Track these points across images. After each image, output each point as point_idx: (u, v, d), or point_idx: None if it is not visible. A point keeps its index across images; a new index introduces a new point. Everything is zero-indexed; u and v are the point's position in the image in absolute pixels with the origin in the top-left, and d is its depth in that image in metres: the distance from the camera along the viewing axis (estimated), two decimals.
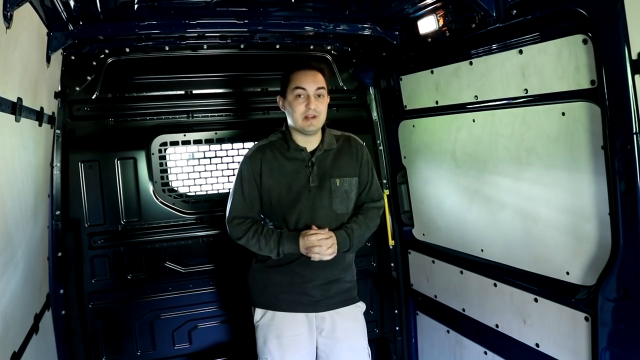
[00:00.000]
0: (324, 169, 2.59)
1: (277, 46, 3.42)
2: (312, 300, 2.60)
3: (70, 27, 2.61)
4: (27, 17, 2.08)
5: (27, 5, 2.02)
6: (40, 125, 2.50)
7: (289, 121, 2.60)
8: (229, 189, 3.47)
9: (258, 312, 2.65)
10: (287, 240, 2.52)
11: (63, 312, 3.03)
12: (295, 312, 2.60)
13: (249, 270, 2.75)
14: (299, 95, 2.50)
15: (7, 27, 1.77)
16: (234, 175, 3.48)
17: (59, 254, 3.01)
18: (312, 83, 2.51)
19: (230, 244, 3.39)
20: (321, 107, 2.52)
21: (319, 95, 2.52)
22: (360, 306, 2.78)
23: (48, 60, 2.55)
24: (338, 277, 2.64)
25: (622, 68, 1.89)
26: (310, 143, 2.61)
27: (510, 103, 2.55)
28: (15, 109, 1.97)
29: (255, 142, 2.71)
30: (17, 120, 2.01)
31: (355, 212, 2.69)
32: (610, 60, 1.94)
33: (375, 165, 3.65)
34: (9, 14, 1.76)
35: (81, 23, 2.65)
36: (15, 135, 2.07)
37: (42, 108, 2.48)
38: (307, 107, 2.48)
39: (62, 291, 3.03)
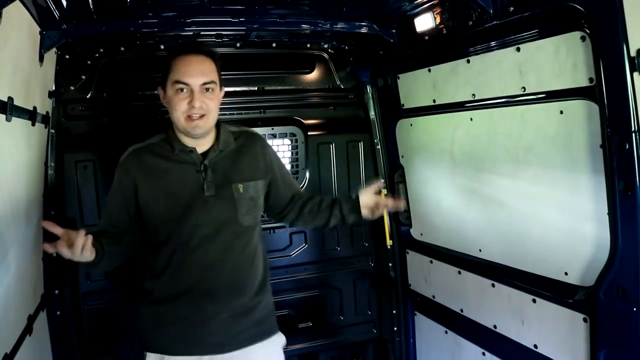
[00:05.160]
0: (222, 174, 2.14)
1: (274, 45, 3.40)
2: (216, 339, 2.12)
3: (64, 25, 2.58)
4: (18, 16, 2.05)
5: (18, 3, 2.00)
6: (33, 124, 2.48)
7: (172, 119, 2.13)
8: None
9: (151, 358, 2.16)
10: None
11: (58, 312, 3.00)
12: (197, 355, 2.12)
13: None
14: (181, 90, 2.03)
15: None
16: None
17: (54, 254, 2.98)
18: (198, 76, 2.02)
19: None
20: (210, 104, 2.06)
21: (206, 90, 2.05)
22: (277, 340, 2.29)
23: (41, 59, 2.53)
24: (249, 306, 2.17)
25: (621, 65, 1.85)
26: (201, 143, 2.14)
27: (508, 101, 2.52)
28: (6, 108, 1.95)
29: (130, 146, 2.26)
30: (7, 119, 1.99)
31: (299, 204, 2.36)
32: (609, 57, 1.91)
33: (372, 164, 3.67)
34: None
35: (74, 22, 2.63)
36: (7, 134, 2.05)
37: (35, 107, 2.46)
38: (191, 104, 2.02)
39: (57, 292, 3.00)
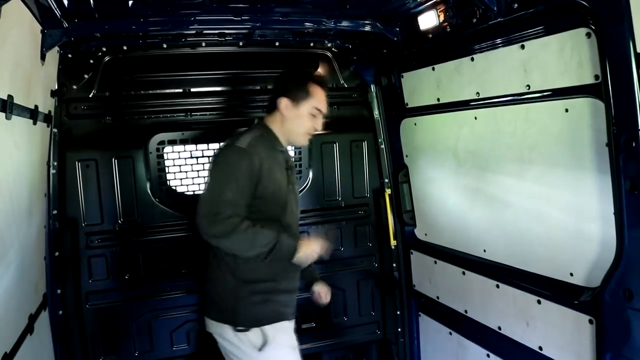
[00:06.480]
0: (292, 175, 2.65)
1: (277, 43, 3.38)
2: (294, 305, 2.63)
3: (65, 24, 2.57)
4: (18, 14, 2.05)
5: (18, 1, 1.99)
6: (34, 123, 2.47)
7: (283, 126, 2.53)
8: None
9: (268, 329, 2.47)
10: (286, 236, 2.39)
11: (60, 312, 3.01)
12: (289, 321, 2.58)
13: (225, 296, 2.51)
14: (314, 116, 2.52)
15: None
16: None
17: (56, 253, 2.99)
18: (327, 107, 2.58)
19: None
20: None
21: None
22: None
23: (43, 57, 2.52)
24: None
25: (627, 62, 1.82)
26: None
27: (513, 99, 2.50)
28: (6, 106, 1.94)
29: (240, 134, 2.49)
30: (7, 118, 1.97)
31: None
32: (615, 54, 1.88)
33: (376, 163, 3.65)
34: None
35: (76, 20, 2.62)
36: (6, 133, 2.04)
37: (36, 106, 2.45)
38: (315, 127, 2.53)
39: (59, 291, 3.01)
